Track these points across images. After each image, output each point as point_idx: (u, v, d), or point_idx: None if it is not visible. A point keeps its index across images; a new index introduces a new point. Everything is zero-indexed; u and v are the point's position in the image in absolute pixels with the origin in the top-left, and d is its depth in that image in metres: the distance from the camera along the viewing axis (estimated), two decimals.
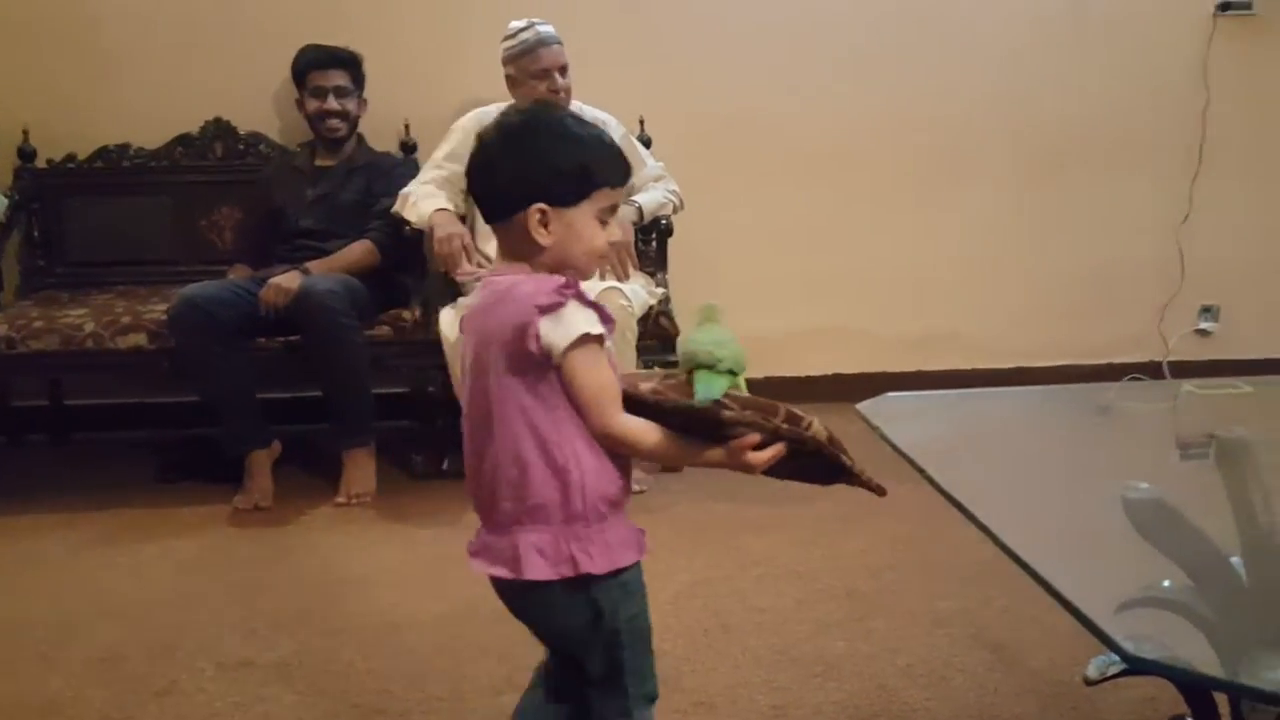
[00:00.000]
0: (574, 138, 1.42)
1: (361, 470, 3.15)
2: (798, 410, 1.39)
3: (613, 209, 1.44)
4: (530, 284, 1.37)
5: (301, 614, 2.46)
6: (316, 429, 3.30)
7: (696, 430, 1.39)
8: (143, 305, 3.21)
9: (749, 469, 1.37)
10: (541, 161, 1.39)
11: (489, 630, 2.35)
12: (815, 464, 1.41)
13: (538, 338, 1.34)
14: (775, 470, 1.41)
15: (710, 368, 1.40)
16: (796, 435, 1.36)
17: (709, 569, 2.59)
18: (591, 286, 2.99)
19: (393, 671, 2.21)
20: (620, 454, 1.41)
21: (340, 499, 3.11)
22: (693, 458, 1.40)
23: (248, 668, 2.24)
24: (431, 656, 2.26)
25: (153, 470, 3.40)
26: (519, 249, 1.42)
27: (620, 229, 1.48)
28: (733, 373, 1.41)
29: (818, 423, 1.38)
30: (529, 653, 2.22)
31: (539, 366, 1.36)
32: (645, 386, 1.43)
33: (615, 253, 1.42)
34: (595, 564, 1.38)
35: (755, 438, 1.35)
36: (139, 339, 3.09)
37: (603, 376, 1.37)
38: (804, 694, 2.10)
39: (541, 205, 1.38)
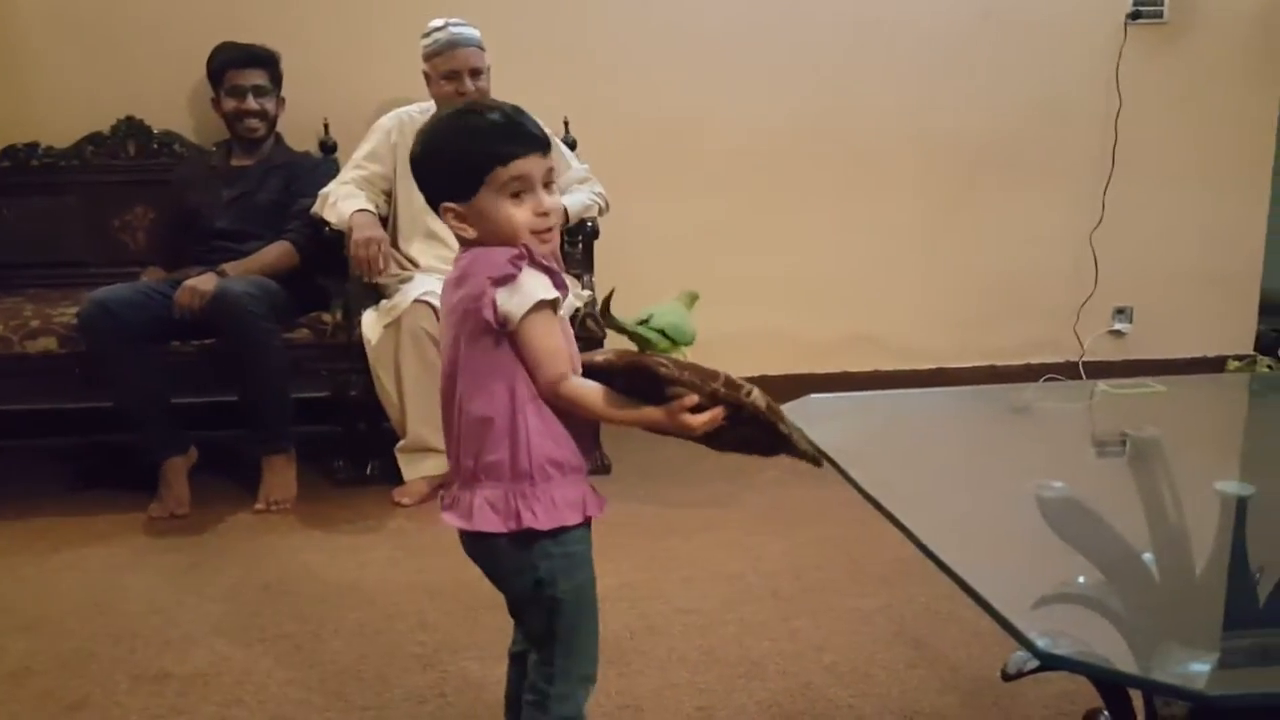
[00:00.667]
0: (457, 131, 1.45)
1: (281, 476, 3.09)
2: (738, 379, 1.42)
3: (521, 180, 1.43)
4: (485, 257, 1.43)
5: (219, 624, 2.41)
6: (235, 434, 3.23)
7: (640, 393, 1.44)
8: (53, 308, 3.11)
9: (687, 430, 1.42)
10: (435, 163, 1.47)
11: (412, 638, 2.32)
12: (756, 434, 1.45)
13: (494, 307, 1.40)
14: (717, 440, 1.47)
15: (645, 322, 1.51)
16: (734, 399, 1.40)
17: (635, 571, 2.59)
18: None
19: (314, 681, 2.17)
20: (573, 415, 1.46)
21: (259, 505, 3.05)
22: (635, 418, 1.44)
23: (164, 680, 2.18)
24: (354, 665, 2.23)
25: (64, 478, 3.30)
26: (464, 240, 1.48)
27: (544, 198, 1.47)
28: (665, 335, 1.50)
29: (757, 391, 1.41)
30: (453, 660, 2.22)
31: (495, 334, 1.42)
32: (599, 357, 1.49)
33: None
34: (539, 520, 1.44)
35: (693, 399, 1.40)
36: (49, 343, 3.01)
37: (554, 340, 1.43)
38: (730, 694, 2.10)
39: (447, 204, 1.45)
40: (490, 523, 1.45)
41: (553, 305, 1.42)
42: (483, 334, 1.42)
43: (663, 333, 1.52)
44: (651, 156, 3.80)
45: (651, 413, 1.43)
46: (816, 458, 1.48)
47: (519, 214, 1.43)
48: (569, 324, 1.50)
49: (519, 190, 1.43)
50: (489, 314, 1.40)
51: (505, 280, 1.39)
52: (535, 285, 1.41)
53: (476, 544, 1.50)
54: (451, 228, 1.46)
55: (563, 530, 1.46)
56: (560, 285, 1.44)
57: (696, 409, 1.41)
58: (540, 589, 1.48)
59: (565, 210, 3.19)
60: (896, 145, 3.96)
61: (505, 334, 1.41)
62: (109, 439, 3.35)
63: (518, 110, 1.47)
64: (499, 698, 1.72)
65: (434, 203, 1.48)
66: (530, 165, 1.44)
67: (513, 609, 1.61)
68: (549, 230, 1.46)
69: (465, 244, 1.48)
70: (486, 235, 1.44)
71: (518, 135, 1.44)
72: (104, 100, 3.53)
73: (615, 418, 1.45)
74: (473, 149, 1.43)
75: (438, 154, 1.47)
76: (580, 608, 1.52)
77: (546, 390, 1.43)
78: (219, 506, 3.06)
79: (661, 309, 1.56)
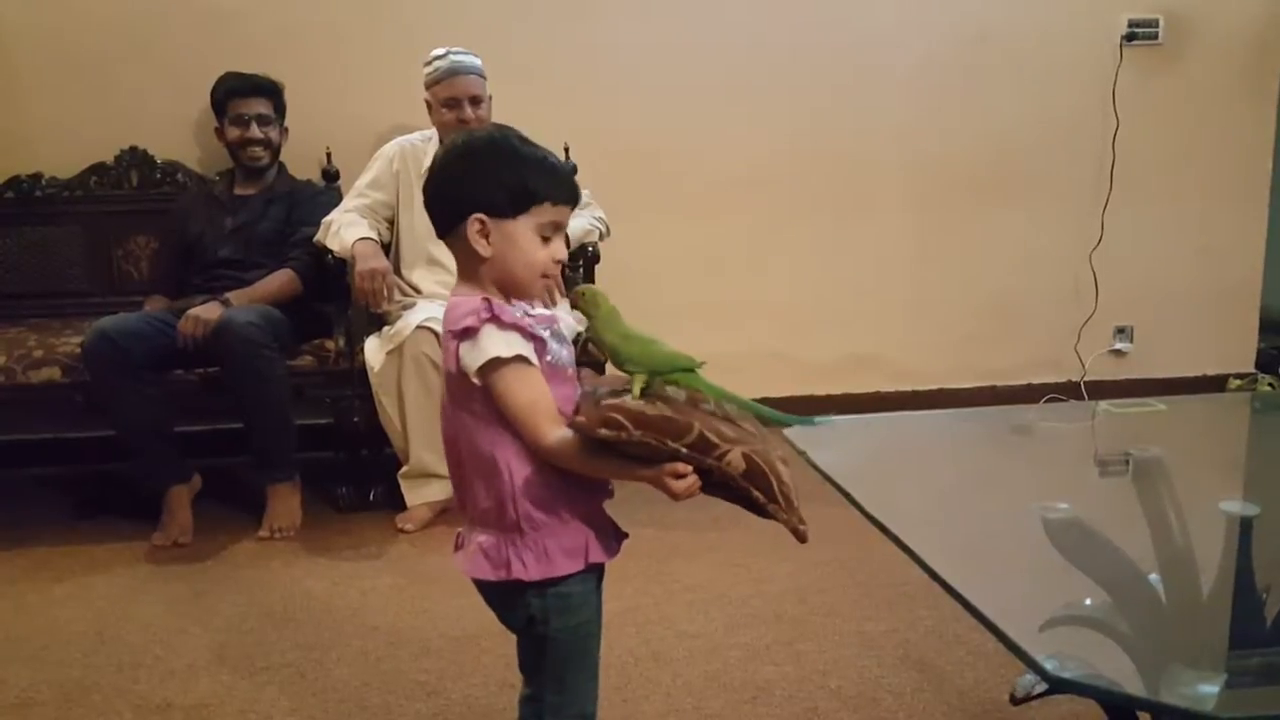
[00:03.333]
0: (517, 153, 1.44)
1: (285, 504, 3.09)
2: (729, 433, 1.34)
3: (555, 226, 1.45)
4: (455, 309, 1.43)
5: (222, 653, 2.40)
6: (238, 461, 3.23)
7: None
8: (56, 338, 3.12)
9: (670, 494, 1.36)
10: (482, 173, 1.43)
11: (416, 664, 2.31)
12: (738, 496, 1.38)
13: (457, 360, 1.40)
14: (716, 492, 1.40)
15: (621, 366, 1.45)
16: (698, 462, 1.32)
17: (638, 596, 2.58)
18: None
19: (317, 710, 2.16)
20: (557, 465, 1.41)
21: (263, 533, 3.04)
22: (625, 473, 1.38)
23: (167, 710, 2.17)
24: (358, 693, 2.22)
25: (67, 507, 3.30)
26: (465, 264, 1.46)
27: (563, 249, 1.48)
28: (656, 372, 1.42)
29: (737, 455, 1.32)
30: (457, 687, 2.21)
31: (469, 385, 1.40)
32: (579, 416, 1.40)
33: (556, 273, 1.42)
34: (528, 571, 1.42)
35: (683, 466, 1.33)
36: (52, 373, 3.01)
37: (527, 394, 1.39)
38: None
39: (480, 215, 1.42)
40: (483, 570, 1.44)
41: (519, 360, 1.38)
42: (460, 385, 1.42)
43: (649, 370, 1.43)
44: (652, 182, 3.81)
45: (645, 474, 1.35)
46: (802, 533, 1.37)
47: (541, 254, 1.44)
48: (561, 366, 1.45)
49: (549, 234, 1.45)
50: (453, 367, 1.41)
51: (467, 333, 1.39)
52: (492, 342, 1.37)
53: (480, 588, 1.50)
54: (469, 237, 1.42)
55: (557, 581, 1.44)
56: (531, 335, 1.40)
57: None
58: (533, 626, 1.47)
59: (566, 235, 3.20)
60: (896, 167, 3.98)
61: (478, 385, 1.39)
62: (112, 468, 3.34)
63: (557, 159, 1.49)
64: None
65: (460, 207, 1.43)
66: (565, 215, 1.47)
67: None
68: (551, 277, 1.48)
69: (461, 269, 1.46)
70: (499, 258, 1.43)
71: (567, 184, 1.47)
72: (107, 130, 3.55)
73: (608, 474, 1.42)
74: (532, 175, 1.43)
75: (492, 164, 1.43)
76: (573, 647, 1.49)
77: (531, 446, 1.40)
78: (222, 535, 3.05)
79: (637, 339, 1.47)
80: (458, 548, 1.52)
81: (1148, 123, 4.04)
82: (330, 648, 2.41)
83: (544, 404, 1.39)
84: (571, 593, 1.46)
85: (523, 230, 1.43)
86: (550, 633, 1.46)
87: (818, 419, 1.51)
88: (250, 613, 2.60)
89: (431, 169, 1.49)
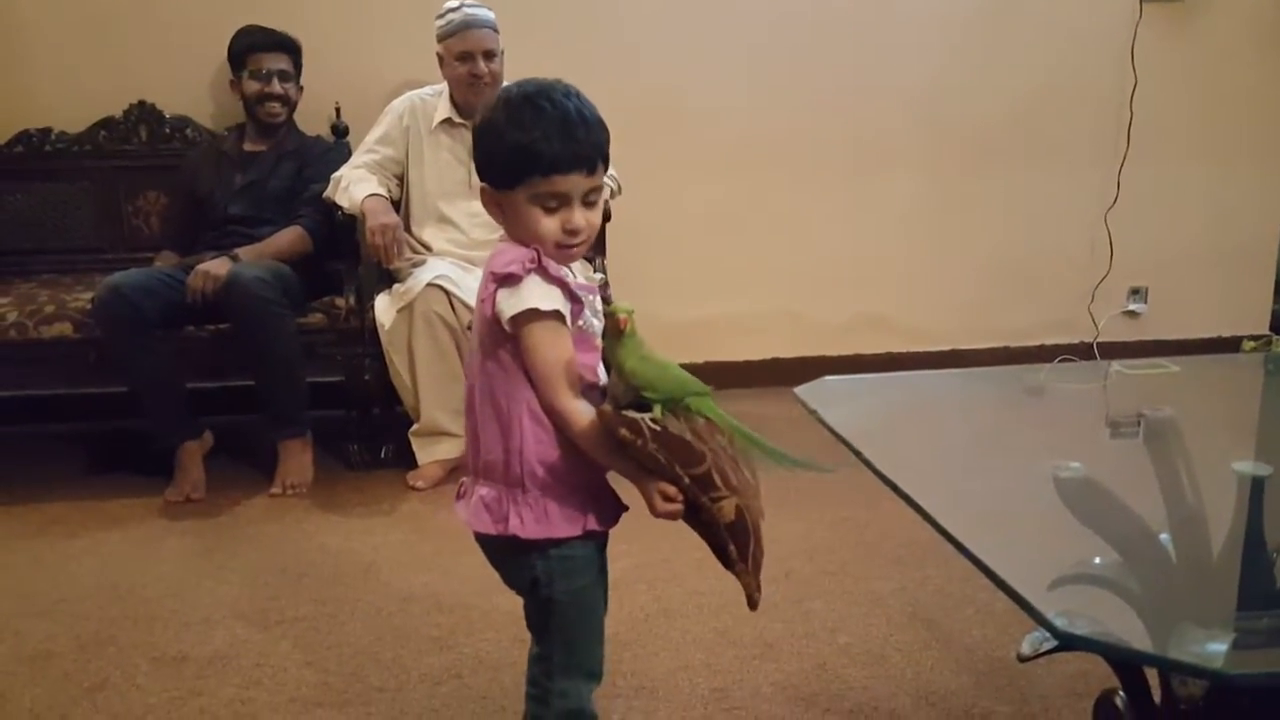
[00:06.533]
0: (511, 123, 1.36)
1: (297, 460, 3.10)
2: (731, 478, 1.35)
3: (555, 196, 1.37)
4: (501, 254, 1.40)
5: (236, 607, 2.42)
6: (251, 419, 3.24)
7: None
8: (67, 294, 3.12)
9: (651, 508, 1.38)
10: (488, 139, 1.40)
11: (428, 620, 2.33)
12: (711, 538, 1.40)
13: (493, 305, 1.38)
14: (693, 524, 1.41)
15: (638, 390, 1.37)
16: (693, 495, 1.34)
17: (648, 554, 2.59)
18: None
19: (331, 663, 2.18)
20: (564, 431, 1.41)
21: (275, 490, 3.06)
22: (620, 467, 1.39)
23: (183, 662, 2.20)
24: (371, 647, 2.24)
25: (80, 463, 3.32)
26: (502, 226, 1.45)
27: (584, 217, 1.40)
28: (671, 398, 1.37)
29: (731, 503, 1.34)
30: (469, 642, 2.23)
31: (500, 332, 1.39)
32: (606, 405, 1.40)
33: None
34: (525, 529, 1.42)
35: (674, 491, 1.35)
36: (64, 328, 3.02)
37: (555, 353, 1.38)
38: (744, 675, 2.11)
39: (484, 185, 1.42)
40: (483, 523, 1.44)
41: (556, 316, 1.37)
42: (490, 332, 1.41)
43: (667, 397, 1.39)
44: (663, 140, 3.78)
45: (634, 472, 1.37)
46: (754, 601, 1.39)
47: (546, 224, 1.38)
48: (591, 334, 1.43)
49: (552, 205, 1.38)
50: (488, 309, 1.39)
51: (508, 280, 1.36)
52: (534, 292, 1.36)
53: (480, 540, 1.50)
54: (484, 205, 1.44)
55: (559, 542, 1.44)
56: (573, 297, 1.39)
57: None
58: (536, 589, 1.47)
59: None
60: (910, 126, 3.94)
61: (509, 335, 1.38)
62: (124, 424, 3.35)
63: (582, 118, 1.38)
64: (515, 679, 1.73)
65: (479, 173, 1.43)
66: (569, 184, 1.37)
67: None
68: (574, 247, 1.40)
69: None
70: (511, 227, 1.42)
71: (567, 149, 1.36)
72: (116, 85, 3.53)
73: (600, 457, 1.39)
74: (520, 146, 1.35)
75: (493, 132, 1.38)
76: (578, 610, 1.50)
77: (544, 403, 1.39)
78: (235, 491, 3.07)
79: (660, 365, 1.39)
80: (460, 496, 1.52)
81: (1166, 81, 3.99)
82: (343, 602, 2.43)
83: (568, 367, 1.38)
84: (574, 555, 1.46)
85: (519, 201, 1.38)
86: (554, 594, 1.46)
87: (817, 466, 1.44)
88: (264, 568, 2.62)
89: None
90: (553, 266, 1.38)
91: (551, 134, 1.35)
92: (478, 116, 1.44)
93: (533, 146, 1.35)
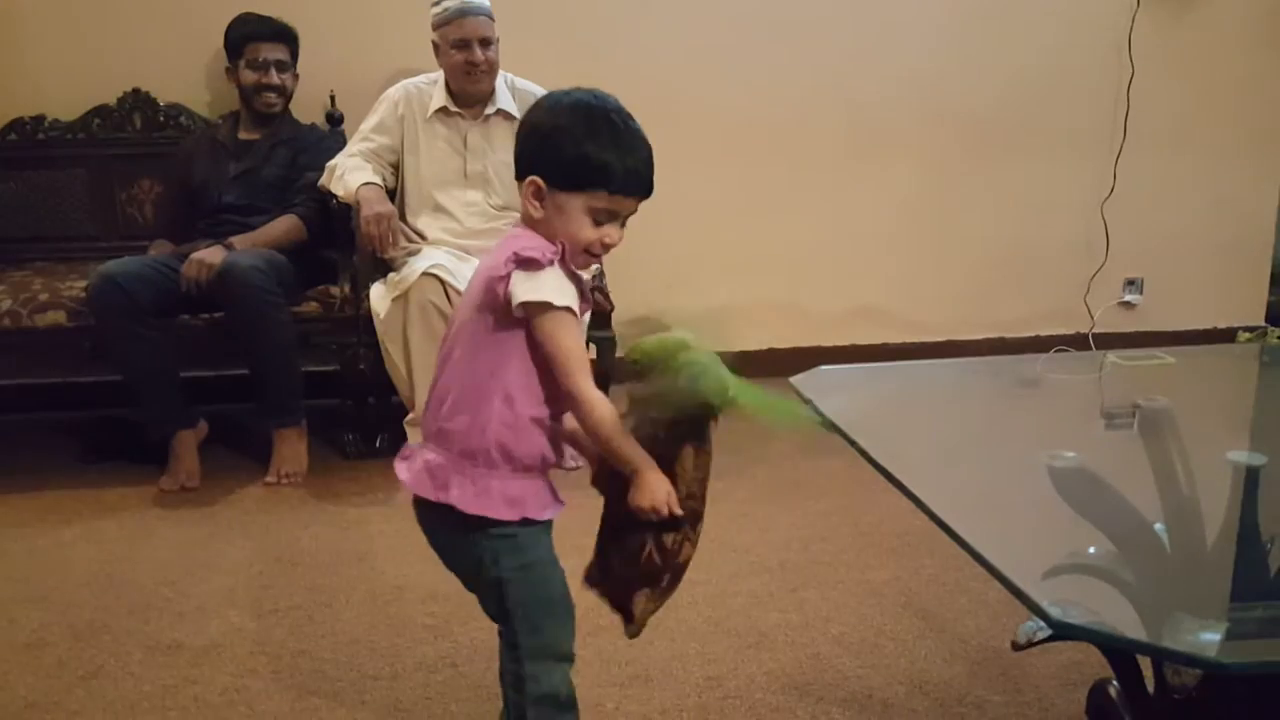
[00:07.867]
0: (598, 131, 1.43)
1: (292, 449, 3.10)
2: (699, 528, 1.46)
3: (610, 214, 1.45)
4: (525, 237, 1.44)
5: (231, 595, 2.42)
6: (245, 408, 3.24)
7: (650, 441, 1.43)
8: (61, 282, 3.12)
9: (638, 493, 1.42)
10: (557, 138, 1.43)
11: (423, 608, 2.33)
12: (627, 571, 1.48)
13: (507, 284, 1.40)
14: (620, 534, 1.48)
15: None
16: (675, 517, 1.42)
17: None
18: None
19: (326, 651, 2.18)
20: (578, 417, 1.45)
21: (270, 479, 3.06)
22: (629, 456, 1.42)
23: (177, 650, 2.20)
24: (365, 635, 2.24)
25: (74, 452, 3.32)
26: (525, 215, 1.48)
27: (620, 235, 1.48)
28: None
29: (690, 549, 1.46)
30: (464, 630, 2.23)
31: (503, 311, 1.42)
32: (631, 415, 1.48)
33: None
34: (463, 501, 1.45)
35: (675, 498, 1.42)
36: (58, 317, 3.01)
37: (573, 342, 1.43)
38: (738, 664, 2.11)
39: (537, 179, 1.44)
40: (423, 487, 1.47)
41: (569, 311, 1.42)
42: (492, 305, 1.43)
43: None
44: (659, 130, 3.70)
45: (640, 464, 1.41)
46: (635, 630, 1.51)
47: (589, 233, 1.44)
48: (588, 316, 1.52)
49: (603, 220, 1.45)
50: (500, 288, 1.41)
51: (529, 265, 1.40)
52: (552, 284, 1.41)
53: (422, 514, 1.53)
54: (524, 196, 1.45)
55: (499, 523, 1.46)
56: (583, 298, 1.45)
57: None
58: (483, 569, 1.49)
59: None
60: (906, 116, 3.94)
61: (514, 317, 1.41)
62: (119, 413, 3.35)
63: (649, 148, 1.48)
64: None
65: (528, 162, 1.46)
66: (627, 206, 1.46)
67: (466, 585, 1.59)
68: (597, 257, 1.48)
69: (524, 214, 1.48)
70: (548, 225, 1.45)
71: (640, 173, 1.45)
72: (110, 73, 3.51)
73: (613, 446, 1.43)
74: (598, 161, 1.42)
75: (567, 137, 1.43)
76: (530, 588, 1.51)
77: (564, 386, 1.43)
78: (230, 480, 3.07)
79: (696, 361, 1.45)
80: (404, 457, 1.53)
81: (1163, 71, 3.98)
82: (338, 591, 2.43)
83: (584, 357, 1.44)
84: (516, 533, 1.48)
85: (575, 206, 1.43)
86: (502, 573, 1.48)
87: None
88: (258, 556, 2.61)
89: (529, 110, 1.51)
90: (573, 265, 1.45)
91: (627, 157, 1.43)
92: (541, 102, 1.49)
93: (611, 165, 1.42)
